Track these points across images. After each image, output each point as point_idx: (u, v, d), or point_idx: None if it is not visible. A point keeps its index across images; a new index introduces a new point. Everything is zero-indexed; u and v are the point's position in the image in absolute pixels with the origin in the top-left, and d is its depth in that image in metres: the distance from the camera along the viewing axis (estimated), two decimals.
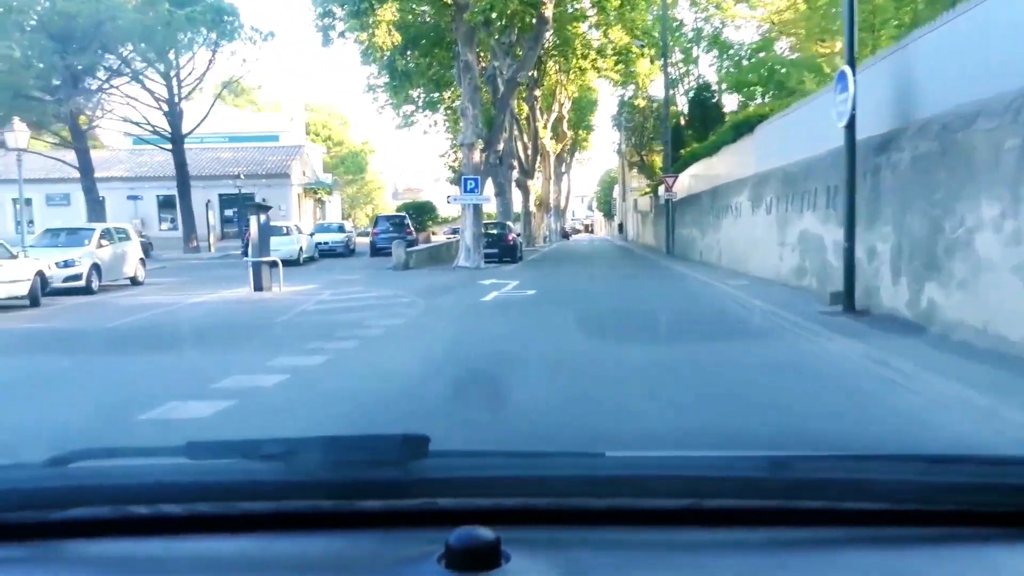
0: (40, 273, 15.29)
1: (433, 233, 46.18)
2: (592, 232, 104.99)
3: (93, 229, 19.12)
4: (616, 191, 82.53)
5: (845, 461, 1.26)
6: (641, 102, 54.13)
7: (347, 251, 32.78)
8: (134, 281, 20.26)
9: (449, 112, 43.94)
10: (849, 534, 1.06)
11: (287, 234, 27.75)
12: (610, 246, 47.21)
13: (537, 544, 0.98)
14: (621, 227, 68.42)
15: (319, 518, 1.07)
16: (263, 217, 17.82)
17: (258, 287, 17.36)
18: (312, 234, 30.83)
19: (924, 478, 1.13)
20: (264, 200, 30.92)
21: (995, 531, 1.05)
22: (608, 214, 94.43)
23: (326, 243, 31.75)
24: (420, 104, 41.74)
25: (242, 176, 35.21)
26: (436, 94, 40.90)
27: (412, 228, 33.47)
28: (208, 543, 1.05)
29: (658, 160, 66.35)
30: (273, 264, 17.81)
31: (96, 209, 29.04)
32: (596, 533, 1.04)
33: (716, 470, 1.17)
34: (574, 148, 65.30)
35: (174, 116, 32.66)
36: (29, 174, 46.14)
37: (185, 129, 33.29)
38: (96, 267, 18.07)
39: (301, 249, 27.96)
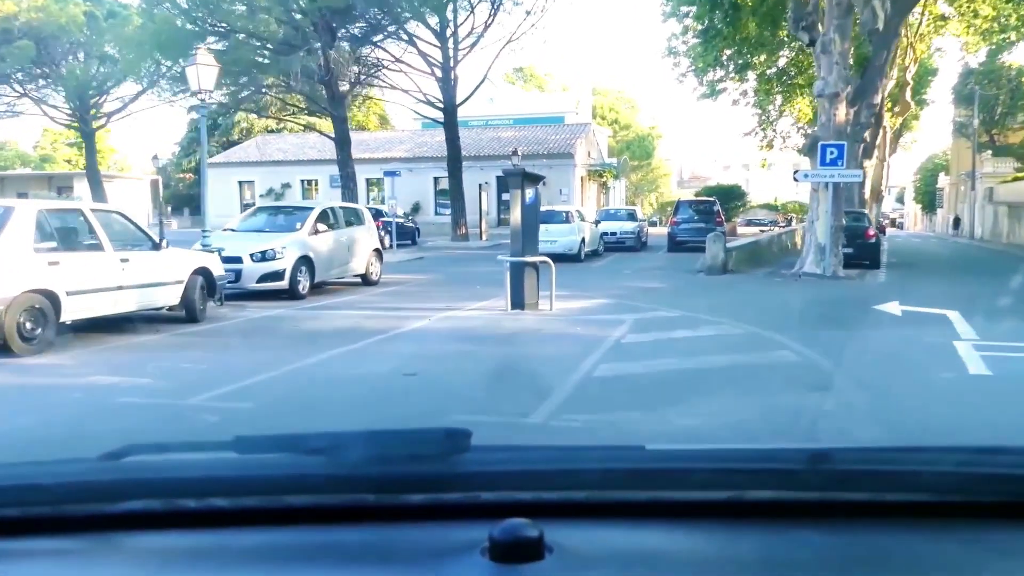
0: (204, 271, 9.88)
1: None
2: (901, 228, 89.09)
3: (310, 209, 13.65)
4: (943, 179, 68.12)
5: (886, 453, 1.24)
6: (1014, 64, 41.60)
7: (638, 244, 25.77)
8: (366, 279, 14.72)
9: (761, 81, 35.38)
10: (890, 526, 1.01)
11: (566, 221, 21.29)
12: (967, 247, 35.82)
13: (579, 537, 0.96)
14: (957, 221, 54.98)
15: (363, 511, 1.05)
16: (530, 193, 11.23)
17: (517, 302, 10.86)
18: (596, 222, 24.08)
19: (967, 469, 1.09)
20: (516, 154, 24.48)
21: None
22: (930, 206, 78.82)
23: (613, 233, 24.97)
24: (730, 69, 33.40)
25: (519, 153, 29.50)
26: (751, 56, 32.45)
27: (722, 217, 25.66)
28: (255, 536, 1.03)
29: (1018, 138, 52.42)
30: (541, 266, 11.25)
31: (350, 187, 24.57)
32: (637, 526, 1.02)
33: (756, 463, 1.15)
34: (901, 127, 53.17)
35: (447, 83, 27.59)
36: (311, 153, 45.58)
37: (460, 96, 28.07)
38: (306, 261, 12.59)
39: (583, 241, 21.34)
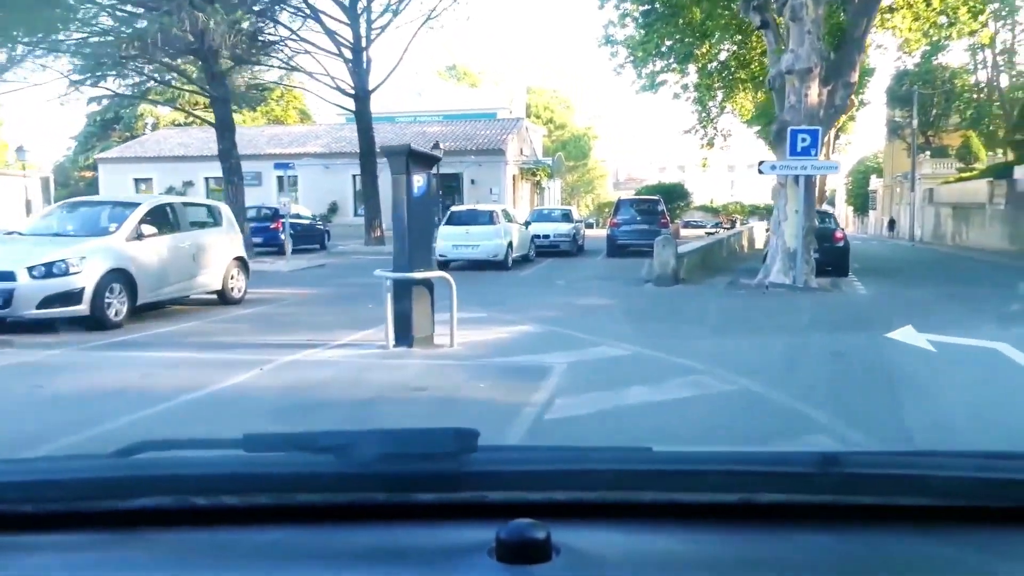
0: None
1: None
2: None
3: (136, 205, 10.01)
4: (876, 182, 67.36)
5: (898, 457, 1.22)
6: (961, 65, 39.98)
7: (574, 247, 22.66)
8: (224, 297, 11.15)
9: (702, 74, 32.77)
10: (902, 530, 1.00)
11: (490, 222, 18.01)
12: (914, 250, 33.71)
13: (586, 538, 0.95)
14: (892, 223, 53.68)
15: (373, 510, 1.04)
16: (419, 181, 7.87)
17: (403, 336, 7.53)
18: (527, 224, 20.86)
19: (979, 474, 1.07)
20: (437, 147, 21.44)
21: None
22: (862, 208, 78.23)
23: (546, 236, 21.80)
24: (671, 60, 30.56)
25: (441, 146, 26.11)
26: (693, 45, 29.71)
27: (668, 217, 22.71)
28: (265, 534, 1.03)
29: (954, 140, 51.26)
30: (441, 282, 8.00)
31: (234, 182, 20.86)
32: (645, 527, 1.00)
33: (767, 465, 1.14)
34: (838, 129, 51.59)
35: (359, 66, 24.05)
36: (203, 149, 41.46)
37: (374, 81, 24.56)
38: (121, 276, 9.00)
39: (511, 245, 18.09)
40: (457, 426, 1.07)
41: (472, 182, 34.74)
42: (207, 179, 37.32)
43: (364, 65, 24.18)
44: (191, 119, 48.21)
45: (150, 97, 27.30)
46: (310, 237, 25.02)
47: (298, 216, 24.65)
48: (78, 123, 53.70)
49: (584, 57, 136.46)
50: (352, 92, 24.44)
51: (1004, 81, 39.91)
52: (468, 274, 16.64)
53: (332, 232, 32.74)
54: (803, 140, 13.19)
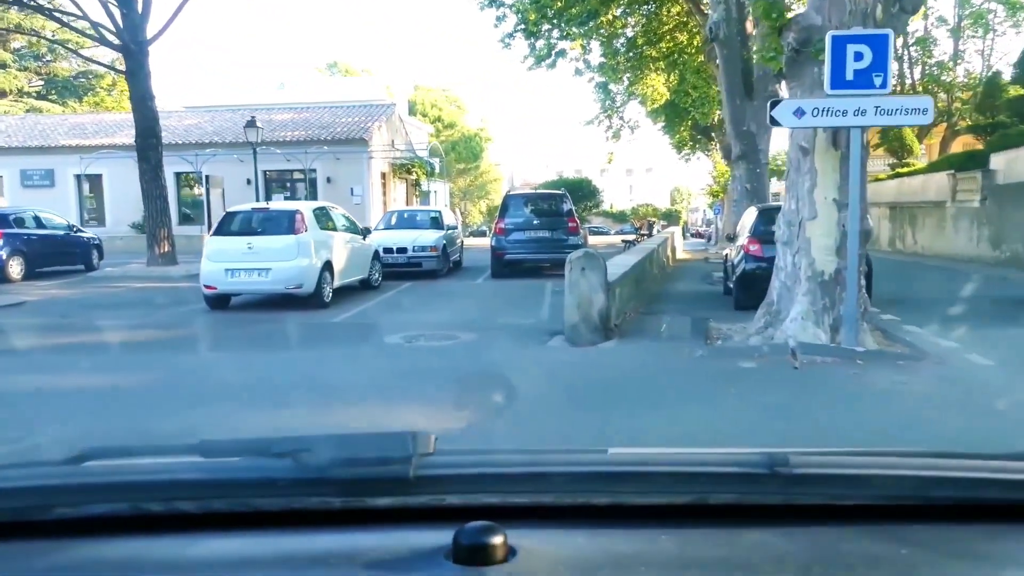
0: None
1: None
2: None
3: None
4: (776, 184, 63.19)
5: (845, 456, 1.20)
6: None
7: (443, 265, 15.36)
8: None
9: (606, 50, 26.29)
10: (849, 529, 1.00)
11: (289, 230, 10.48)
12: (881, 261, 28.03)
13: (543, 539, 0.95)
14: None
15: (330, 515, 1.01)
16: None
17: None
18: (365, 231, 13.30)
19: (924, 473, 1.09)
20: (252, 124, 15.47)
21: (995, 526, 1.00)
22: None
23: (400, 250, 14.44)
24: (570, 25, 23.89)
25: (259, 125, 18.27)
26: (599, 12, 23.35)
27: (577, 221, 15.58)
28: (221, 540, 0.99)
29: (873, 136, 46.87)
30: None
31: None
32: (601, 528, 0.99)
33: (718, 466, 1.13)
34: None
35: (128, 4, 16.05)
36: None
37: (154, 28, 16.61)
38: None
39: (327, 268, 10.75)
40: (414, 430, 1.05)
41: (328, 180, 26.99)
42: None
43: (136, 4, 16.19)
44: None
45: None
46: (65, 255, 16.84)
47: (37, 221, 16.41)
48: None
49: (477, 59, 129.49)
50: (119, 43, 16.39)
51: (917, 74, 35.07)
52: (239, 319, 9.23)
53: (120, 246, 24.40)
54: (858, 57, 6.37)
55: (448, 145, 58.45)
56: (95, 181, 28.05)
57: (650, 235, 25.93)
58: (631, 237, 25.65)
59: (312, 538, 0.99)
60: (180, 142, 26.95)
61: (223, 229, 10.64)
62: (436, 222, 16.56)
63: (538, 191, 20.51)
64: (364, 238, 12.79)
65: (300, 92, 40.60)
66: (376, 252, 13.30)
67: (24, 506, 1.03)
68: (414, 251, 14.79)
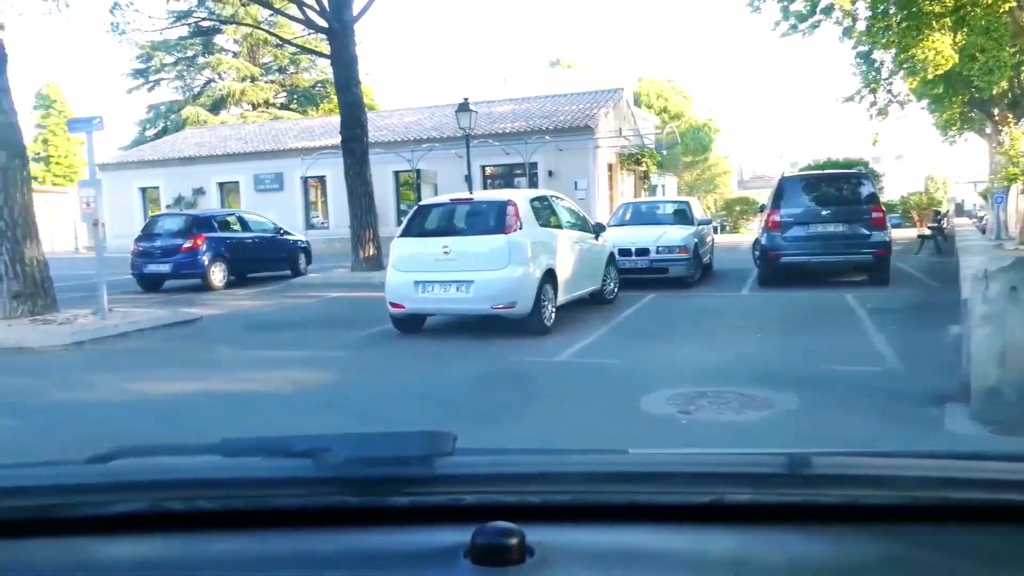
0: None
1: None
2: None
3: None
4: None
5: (865, 457, 1.19)
6: None
7: (694, 269, 11.78)
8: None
9: (874, 8, 21.09)
10: (868, 529, 0.97)
11: (496, 229, 7.53)
12: None
13: (560, 540, 0.93)
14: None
15: (348, 514, 1.00)
16: None
17: None
18: (597, 231, 9.99)
19: (944, 474, 1.06)
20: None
21: (1017, 528, 0.97)
22: None
23: (641, 252, 11.10)
24: None
25: (472, 109, 15.68)
26: None
27: (883, 210, 11.34)
28: (241, 539, 0.99)
29: None
30: None
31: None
32: (618, 529, 0.98)
33: (737, 466, 1.13)
34: None
35: None
36: (234, 145, 28.67)
37: (359, 4, 14.62)
38: None
39: (549, 278, 7.83)
40: (433, 430, 1.03)
41: (550, 174, 24.29)
42: (220, 184, 28.66)
43: None
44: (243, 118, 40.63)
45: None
46: (271, 259, 15.34)
47: (244, 225, 14.99)
48: (128, 133, 46.96)
49: (702, 47, 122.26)
50: (325, 26, 14.55)
51: None
52: (428, 352, 6.48)
53: (338, 248, 23.17)
54: None
55: (673, 139, 54.17)
56: (321, 182, 27.50)
57: (941, 230, 20.46)
58: (926, 233, 20.37)
59: (330, 537, 0.98)
60: (399, 139, 25.57)
61: (413, 228, 7.92)
62: (683, 216, 13.00)
63: (826, 171, 16.17)
64: (597, 237, 9.61)
65: (522, 87, 38.67)
66: (611, 256, 10.09)
67: (48, 504, 1.03)
68: (658, 253, 11.38)
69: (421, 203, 8.30)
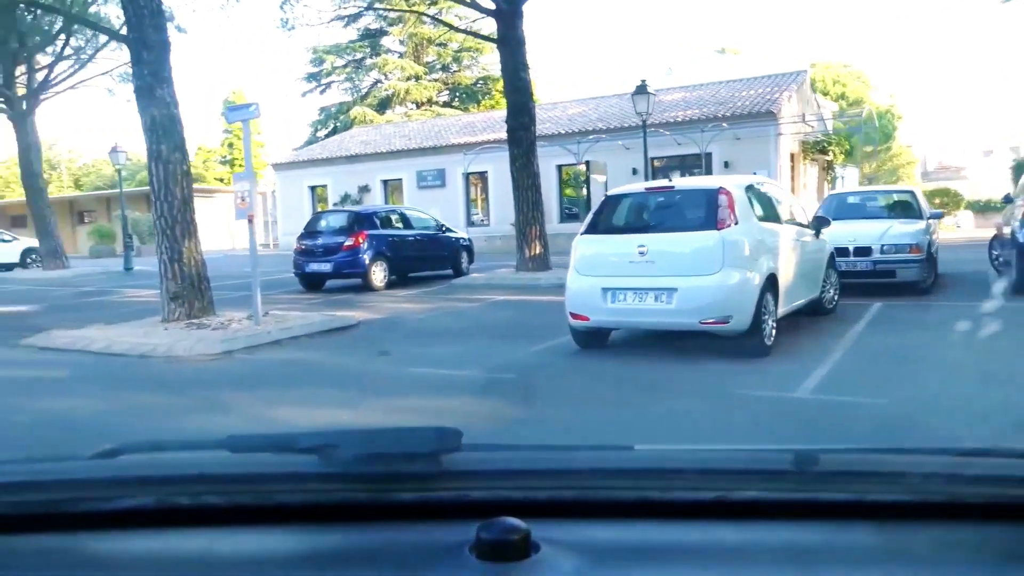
0: None
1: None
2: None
3: None
4: None
5: (872, 454, 1.19)
6: None
7: (926, 272, 9.67)
8: None
9: None
10: (876, 527, 0.96)
11: (708, 223, 5.99)
12: None
13: (566, 535, 0.92)
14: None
15: (355, 509, 1.00)
16: None
17: None
18: (817, 225, 8.13)
19: (952, 471, 1.04)
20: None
21: None
22: None
23: (863, 251, 9.14)
24: None
25: (651, 91, 13.99)
26: None
27: None
28: (247, 534, 0.99)
29: None
30: None
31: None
32: (624, 525, 0.97)
33: (743, 463, 1.11)
34: None
35: None
36: (397, 143, 28.36)
37: None
38: None
39: (771, 285, 6.10)
40: (440, 426, 1.01)
41: (726, 164, 22.20)
42: (385, 182, 28.60)
43: None
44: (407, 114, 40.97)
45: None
46: (433, 258, 14.49)
47: (406, 222, 14.20)
48: (302, 135, 48.84)
49: (881, 26, 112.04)
50: (492, 8, 13.46)
51: None
52: (612, 375, 5.08)
53: (499, 246, 22.20)
54: None
55: (870, 121, 49.55)
56: (482, 179, 26.76)
57: None
58: None
59: (337, 532, 0.98)
60: (562, 132, 24.32)
61: (600, 223, 6.50)
62: (909, 209, 10.79)
63: None
64: (817, 234, 7.80)
65: (690, 76, 36.44)
66: (831, 256, 8.23)
67: (55, 499, 1.02)
68: (883, 252, 9.34)
69: (609, 193, 6.86)
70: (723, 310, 5.81)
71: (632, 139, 23.15)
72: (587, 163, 16.55)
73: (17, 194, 36.94)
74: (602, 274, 6.20)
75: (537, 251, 13.45)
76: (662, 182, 7.07)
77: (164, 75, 8.85)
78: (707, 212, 6.04)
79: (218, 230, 31.57)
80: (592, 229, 6.47)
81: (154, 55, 8.70)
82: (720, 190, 6.14)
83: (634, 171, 23.18)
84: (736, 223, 5.99)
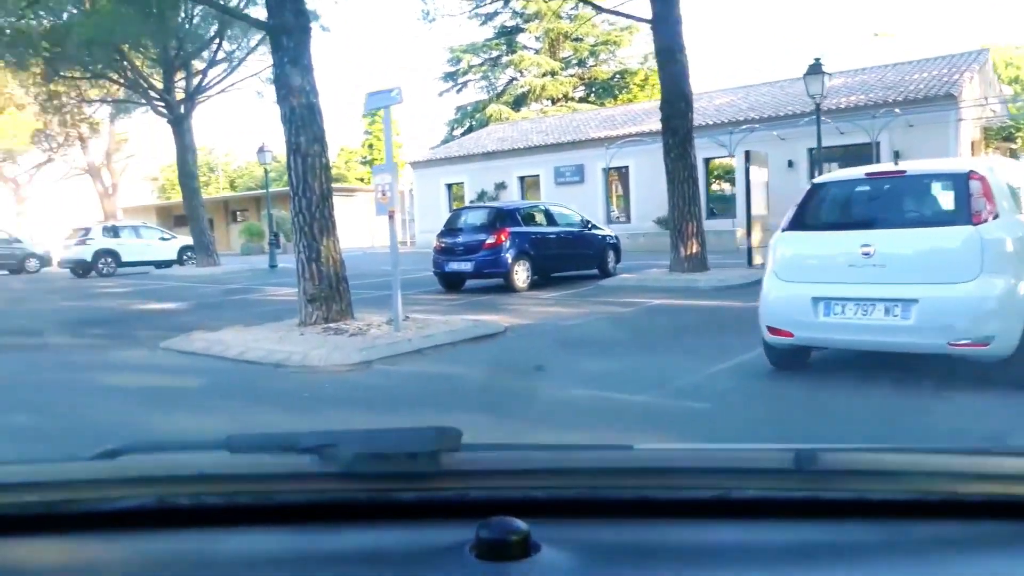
0: None
1: None
2: None
3: None
4: None
5: (872, 452, 1.16)
6: None
7: None
8: None
9: None
10: (876, 525, 0.94)
11: (959, 217, 4.59)
12: None
13: (566, 535, 0.91)
14: None
15: (354, 509, 0.99)
16: None
17: None
18: None
19: (953, 469, 1.04)
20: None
21: None
22: None
23: None
24: None
25: (824, 71, 12.32)
26: None
27: None
28: (247, 535, 0.97)
29: None
30: None
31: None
32: (624, 524, 0.96)
33: (743, 462, 1.10)
34: None
35: None
36: (534, 139, 27.63)
37: None
38: None
39: None
40: (439, 426, 1.00)
41: (897, 154, 19.89)
42: (521, 179, 27.88)
43: None
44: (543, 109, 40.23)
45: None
46: (577, 257, 13.48)
47: (549, 218, 13.26)
48: (439, 134, 49.14)
49: None
50: None
51: None
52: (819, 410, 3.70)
53: (641, 244, 20.86)
54: None
55: None
56: (622, 174, 25.52)
57: None
58: None
59: (337, 532, 0.97)
60: (710, 122, 22.71)
61: (807, 217, 5.23)
62: None
63: None
64: None
65: (845, 63, 33.65)
66: None
67: (53, 499, 1.02)
68: None
69: (816, 181, 5.57)
70: (981, 329, 4.44)
71: (787, 128, 21.27)
72: (747, 154, 15.01)
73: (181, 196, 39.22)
74: (812, 280, 4.96)
75: (694, 250, 12.15)
76: (887, 166, 5.70)
77: (304, 62, 8.29)
78: (957, 202, 4.69)
79: (358, 228, 31.94)
80: (797, 225, 5.22)
81: (293, 40, 8.14)
82: (971, 174, 4.75)
83: (790, 163, 21.30)
84: (996, 216, 4.60)
